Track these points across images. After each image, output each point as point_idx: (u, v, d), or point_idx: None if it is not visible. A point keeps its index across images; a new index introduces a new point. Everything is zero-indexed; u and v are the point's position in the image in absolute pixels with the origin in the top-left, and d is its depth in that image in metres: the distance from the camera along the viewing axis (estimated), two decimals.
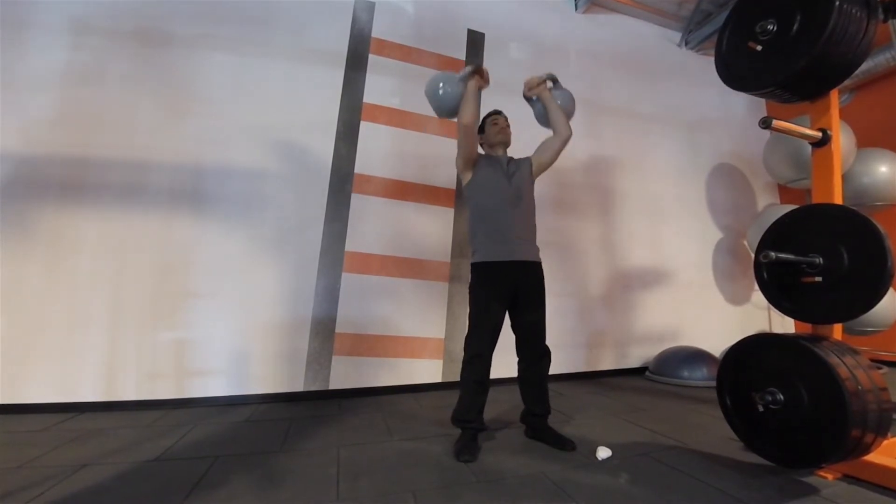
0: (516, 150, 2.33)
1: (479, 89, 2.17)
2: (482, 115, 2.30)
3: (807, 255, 1.76)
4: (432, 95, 2.17)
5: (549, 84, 2.30)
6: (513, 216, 2.13)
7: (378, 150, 3.33)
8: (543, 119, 2.33)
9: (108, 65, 2.85)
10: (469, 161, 2.17)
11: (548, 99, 2.25)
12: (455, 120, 2.15)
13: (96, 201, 2.70)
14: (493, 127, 2.27)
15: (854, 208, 1.75)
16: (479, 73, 2.16)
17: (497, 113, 2.32)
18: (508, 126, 2.30)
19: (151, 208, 2.79)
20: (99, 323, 2.62)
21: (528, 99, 2.36)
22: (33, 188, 2.62)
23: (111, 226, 2.71)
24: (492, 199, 2.14)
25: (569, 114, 2.31)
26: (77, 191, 2.69)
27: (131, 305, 2.69)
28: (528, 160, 2.29)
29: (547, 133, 2.29)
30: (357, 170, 3.24)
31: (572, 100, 2.35)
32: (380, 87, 3.42)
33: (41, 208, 2.62)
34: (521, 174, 2.22)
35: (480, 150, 2.31)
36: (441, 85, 2.14)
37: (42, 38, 2.77)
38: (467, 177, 2.21)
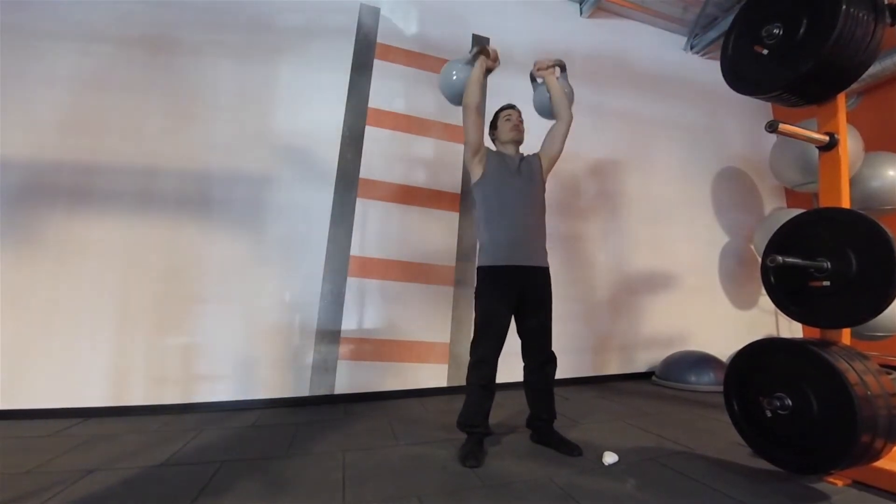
0: (526, 145, 2.34)
1: (488, 70, 2.19)
2: (495, 110, 2.32)
3: (814, 259, 1.75)
4: (445, 84, 2.20)
5: (557, 71, 2.32)
6: (522, 218, 2.11)
7: (383, 154, 3.34)
8: (541, 105, 2.37)
9: (115, 71, 2.88)
10: (475, 148, 2.13)
11: (553, 83, 2.26)
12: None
13: (104, 207, 2.72)
14: (506, 123, 2.26)
15: (862, 212, 1.74)
16: (485, 53, 2.17)
17: (510, 107, 2.31)
18: (522, 122, 2.29)
19: (158, 213, 2.80)
20: (106, 328, 2.63)
21: (532, 80, 2.41)
22: (41, 194, 2.64)
23: (119, 231, 2.72)
24: (501, 200, 2.11)
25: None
26: (85, 196, 2.70)
27: (138, 310, 2.70)
28: (536, 157, 2.27)
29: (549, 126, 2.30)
30: (362, 174, 3.25)
31: (572, 94, 2.37)
32: (385, 91, 3.43)
33: (49, 214, 2.64)
34: (532, 173, 2.20)
35: (492, 147, 2.30)
36: (454, 73, 2.17)
37: (50, 44, 2.79)
38: (476, 173, 2.15)
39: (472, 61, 2.15)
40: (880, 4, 1.72)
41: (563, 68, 2.33)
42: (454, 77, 2.17)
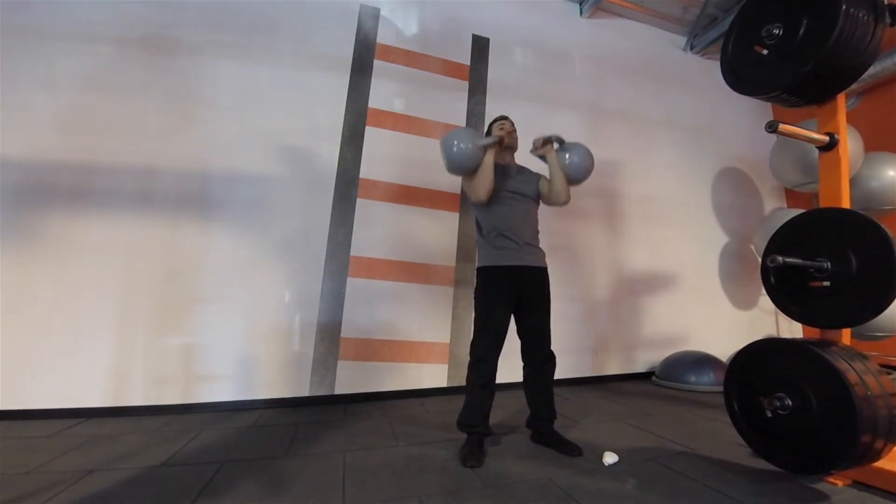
0: (522, 156, 2.34)
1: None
2: (488, 121, 2.30)
3: (814, 259, 1.74)
4: (447, 151, 2.08)
5: (556, 145, 2.24)
6: (519, 222, 2.15)
7: (383, 154, 3.34)
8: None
9: (115, 71, 2.88)
10: (477, 204, 2.15)
11: (552, 161, 2.18)
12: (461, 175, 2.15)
13: (104, 207, 2.72)
14: (499, 132, 2.26)
15: (862, 212, 1.74)
16: (501, 145, 2.16)
17: (503, 118, 2.32)
18: (515, 130, 2.29)
19: (158, 214, 2.80)
20: (106, 328, 2.64)
21: (541, 158, 2.28)
22: (41, 194, 2.64)
23: (119, 231, 2.73)
24: (499, 206, 2.14)
25: (587, 170, 2.25)
26: (85, 196, 2.71)
27: (138, 311, 2.70)
28: (536, 177, 2.29)
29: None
30: (362, 175, 3.25)
31: (589, 155, 2.26)
32: (385, 92, 3.43)
33: (49, 214, 2.64)
34: (528, 184, 2.23)
35: None
36: (456, 142, 2.06)
37: (50, 44, 2.79)
38: None
39: (486, 146, 2.08)
40: (880, 5, 1.72)
41: (560, 141, 2.25)
42: (456, 149, 2.06)
